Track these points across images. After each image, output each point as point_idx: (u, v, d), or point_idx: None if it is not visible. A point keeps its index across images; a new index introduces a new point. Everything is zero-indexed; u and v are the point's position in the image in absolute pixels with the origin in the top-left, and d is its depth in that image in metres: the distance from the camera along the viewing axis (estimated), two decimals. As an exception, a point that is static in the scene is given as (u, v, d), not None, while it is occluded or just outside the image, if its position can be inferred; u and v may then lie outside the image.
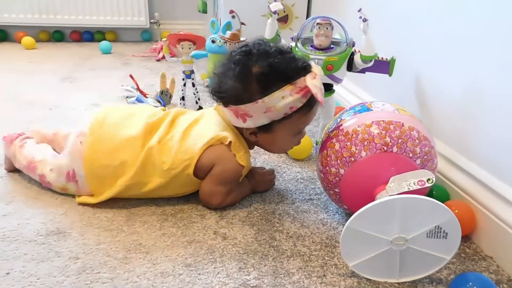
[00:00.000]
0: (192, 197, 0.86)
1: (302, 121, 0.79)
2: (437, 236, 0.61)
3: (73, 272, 0.64)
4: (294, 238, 0.75)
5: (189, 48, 1.21)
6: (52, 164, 0.84)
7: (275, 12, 0.94)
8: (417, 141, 0.71)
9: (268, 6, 0.95)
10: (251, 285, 0.63)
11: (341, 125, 0.75)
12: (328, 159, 0.75)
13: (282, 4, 0.97)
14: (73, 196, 0.84)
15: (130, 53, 2.24)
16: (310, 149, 1.06)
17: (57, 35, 2.50)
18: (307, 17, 1.80)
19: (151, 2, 2.52)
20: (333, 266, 0.68)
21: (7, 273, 0.63)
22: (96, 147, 0.80)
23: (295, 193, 0.90)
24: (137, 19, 2.47)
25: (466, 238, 0.76)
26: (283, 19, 1.78)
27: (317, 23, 0.94)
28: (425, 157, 0.71)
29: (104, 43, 2.22)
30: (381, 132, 0.70)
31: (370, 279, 0.65)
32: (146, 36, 2.59)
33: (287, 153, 1.06)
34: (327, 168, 0.75)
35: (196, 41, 1.21)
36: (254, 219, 0.80)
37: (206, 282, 0.63)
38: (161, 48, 2.13)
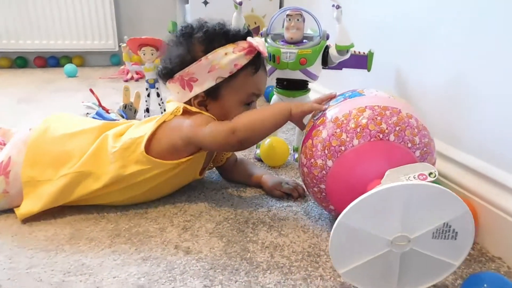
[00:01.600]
0: (151, 207, 0.74)
1: (250, 84, 0.74)
2: (445, 236, 0.50)
3: (-10, 302, 0.50)
4: (271, 248, 0.63)
5: (152, 54, 1.12)
6: None
7: (240, 3, 0.86)
8: (416, 130, 0.61)
9: (233, -2, 0.88)
10: (218, 305, 0.51)
11: (329, 111, 0.65)
12: (314, 149, 0.63)
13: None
14: (7, 213, 0.71)
15: (97, 76, 2.14)
16: (286, 156, 0.96)
17: (20, 61, 2.37)
18: (279, 30, 1.75)
19: (120, 24, 2.44)
20: (318, 278, 0.56)
21: None
22: (44, 134, 0.75)
23: (271, 200, 0.79)
24: (105, 42, 2.38)
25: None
26: (255, 31, 1.72)
27: (287, 15, 0.87)
28: (424, 148, 0.61)
29: (68, 66, 2.11)
30: (376, 118, 0.60)
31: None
32: (116, 60, 2.50)
33: (262, 160, 0.96)
34: (312, 160, 0.64)
35: (159, 45, 1.12)
36: (224, 230, 0.68)
37: (162, 305, 0.51)
38: (129, 70, 2.04)
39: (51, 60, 2.41)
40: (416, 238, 0.49)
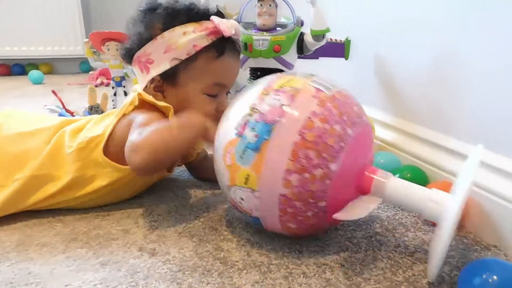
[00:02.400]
0: (114, 208, 0.67)
1: (211, 70, 0.65)
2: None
3: None
4: (248, 246, 0.56)
5: (117, 50, 1.05)
6: None
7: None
8: (356, 101, 0.56)
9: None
10: (187, 311, 0.44)
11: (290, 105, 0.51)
12: (304, 161, 0.48)
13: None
14: None
15: (65, 83, 2.04)
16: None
17: (-19, 70, 2.25)
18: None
19: (89, 29, 2.35)
20: (301, 276, 0.50)
21: None
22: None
23: (248, 197, 0.72)
24: (73, 48, 2.28)
25: (460, 227, 0.61)
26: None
27: (259, 0, 0.82)
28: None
29: (34, 72, 2.01)
30: (346, 102, 0.53)
31: (351, 287, 0.48)
32: (85, 67, 2.40)
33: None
34: (306, 175, 0.49)
35: (124, 40, 1.05)
36: (195, 230, 0.61)
37: (120, 314, 0.43)
38: (99, 74, 1.96)
39: (16, 68, 2.30)
40: None
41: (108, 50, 1.05)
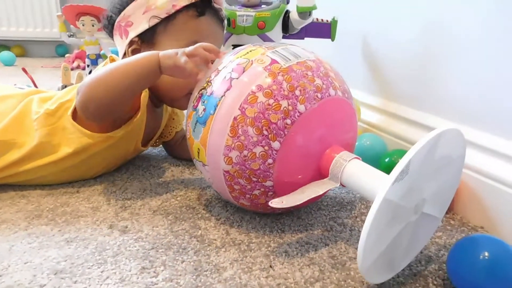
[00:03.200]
0: (85, 186, 0.63)
1: (191, 29, 0.62)
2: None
3: None
4: (227, 225, 0.53)
5: (92, 26, 0.99)
6: None
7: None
8: (337, 76, 0.52)
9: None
10: (159, 289, 0.40)
11: (236, 80, 0.48)
12: (241, 138, 0.46)
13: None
14: None
15: (39, 65, 1.95)
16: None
17: None
18: None
19: (66, 12, 2.26)
20: (283, 254, 0.47)
21: None
22: None
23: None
24: (49, 30, 2.17)
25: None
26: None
27: (244, -26, 0.78)
28: (347, 94, 0.52)
29: (5, 53, 1.91)
30: (306, 74, 0.48)
31: (335, 267, 0.45)
32: (62, 50, 2.29)
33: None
34: (245, 152, 0.46)
35: (101, 15, 0.99)
36: (171, 208, 0.57)
37: (85, 293, 0.39)
38: (75, 57, 1.88)
39: (-14, 49, 2.18)
40: (428, 199, 0.42)
41: (83, 25, 0.99)
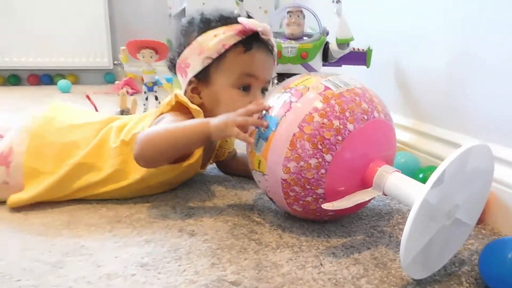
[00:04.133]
0: (152, 197, 0.72)
1: (240, 63, 0.69)
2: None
3: (-17, 279, 0.47)
4: (279, 230, 0.61)
5: (151, 57, 1.12)
6: None
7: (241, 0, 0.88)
8: (379, 100, 0.60)
9: (235, -6, 0.89)
10: (228, 280, 0.48)
11: (292, 108, 0.56)
12: (299, 151, 0.54)
13: (249, -8, 0.91)
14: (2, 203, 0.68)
15: (91, 92, 2.13)
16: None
17: (12, 79, 2.37)
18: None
19: (115, 42, 2.46)
20: (331, 255, 0.54)
21: None
22: (50, 123, 0.72)
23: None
24: (99, 60, 2.39)
25: (478, 220, 0.64)
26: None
27: (288, 12, 0.89)
28: (388, 117, 0.60)
29: (63, 82, 2.11)
30: (355, 99, 0.56)
31: (378, 266, 0.51)
32: (110, 77, 2.50)
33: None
34: (302, 163, 0.54)
35: (158, 48, 1.12)
36: (229, 216, 0.65)
37: (168, 281, 0.48)
38: (124, 84, 2.04)
39: (45, 78, 2.41)
40: (460, 206, 0.48)
41: (143, 57, 1.12)
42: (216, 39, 0.68)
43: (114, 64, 2.43)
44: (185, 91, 0.73)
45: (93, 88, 2.31)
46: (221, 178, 0.84)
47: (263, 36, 0.70)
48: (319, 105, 0.55)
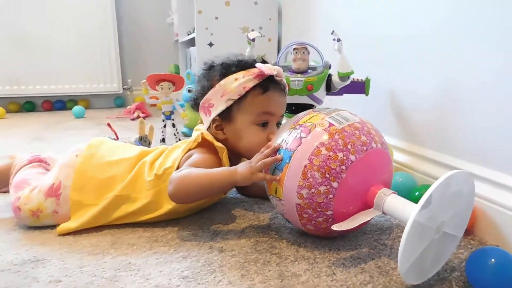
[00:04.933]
0: (182, 220, 0.82)
1: (259, 103, 0.78)
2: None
3: (55, 292, 0.57)
4: (296, 245, 0.70)
5: (169, 89, 1.23)
6: (35, 183, 0.81)
7: (253, 40, 0.99)
8: (376, 132, 0.70)
9: (247, 35, 1.01)
10: (257, 288, 0.58)
11: (299, 147, 0.66)
12: (310, 180, 0.64)
13: (259, 33, 1.03)
14: (51, 227, 0.78)
15: (103, 116, 2.24)
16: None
17: (28, 106, 2.48)
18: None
19: (124, 68, 2.59)
20: (341, 266, 0.64)
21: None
22: (90, 161, 0.82)
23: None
24: (109, 85, 2.51)
25: (467, 232, 0.74)
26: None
27: (294, 48, 0.99)
28: (384, 145, 0.70)
29: (77, 107, 2.22)
30: (354, 133, 0.66)
31: (381, 274, 0.61)
32: (119, 101, 2.62)
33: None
34: (313, 190, 0.64)
35: (176, 81, 1.23)
36: (250, 233, 0.75)
37: (207, 290, 0.57)
38: (135, 109, 2.16)
39: (58, 104, 2.52)
40: (447, 222, 0.58)
41: (162, 89, 1.23)
42: (237, 83, 0.78)
43: (124, 89, 2.55)
44: (209, 127, 0.83)
45: (104, 112, 2.43)
46: (239, 200, 0.94)
47: (276, 78, 0.81)
48: (325, 140, 0.65)
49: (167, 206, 0.78)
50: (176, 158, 0.79)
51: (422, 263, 0.57)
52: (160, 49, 2.64)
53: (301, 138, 0.67)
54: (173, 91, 1.25)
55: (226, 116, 0.81)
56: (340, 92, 1.04)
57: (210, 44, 1.71)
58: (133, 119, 2.12)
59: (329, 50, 0.97)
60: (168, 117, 1.28)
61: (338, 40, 0.93)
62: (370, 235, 0.74)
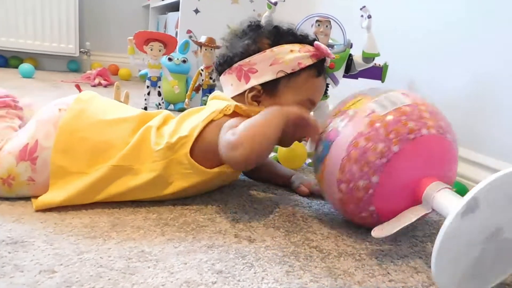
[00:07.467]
0: (188, 199, 0.69)
1: (310, 86, 0.72)
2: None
3: None
4: (332, 238, 0.62)
5: (159, 51, 1.07)
6: (1, 141, 0.64)
7: (275, 3, 0.88)
8: (433, 114, 0.60)
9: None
10: (311, 288, 0.48)
11: (340, 131, 0.60)
12: (347, 174, 0.58)
13: (281, -2, 0.91)
14: (26, 199, 0.62)
15: (57, 79, 1.98)
16: (304, 159, 0.96)
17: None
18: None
19: (83, 29, 2.32)
20: (392, 264, 0.56)
21: None
22: (79, 118, 0.65)
23: (306, 198, 0.78)
24: (64, 46, 2.22)
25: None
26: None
27: (317, 20, 0.90)
28: (448, 128, 0.61)
29: (25, 65, 1.94)
30: (400, 119, 0.57)
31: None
32: (74, 66, 2.34)
33: (278, 162, 0.95)
34: (351, 184, 0.58)
35: (168, 42, 1.07)
36: (276, 222, 0.65)
37: (252, 289, 0.47)
38: (97, 75, 1.93)
39: (-1, 59, 2.19)
40: (504, 228, 0.50)
41: (151, 50, 1.07)
42: (292, 55, 0.70)
43: (80, 52, 2.28)
44: (238, 95, 0.71)
45: (57, 75, 2.15)
46: (248, 184, 0.83)
47: (326, 64, 0.73)
48: (365, 129, 0.57)
49: (181, 183, 0.65)
50: (195, 127, 0.65)
51: (477, 272, 0.50)
52: (128, 13, 2.39)
53: (340, 127, 0.60)
54: (163, 54, 1.09)
55: (269, 88, 0.71)
56: (356, 75, 0.97)
57: (196, 11, 1.55)
58: (94, 86, 1.89)
59: (350, 28, 0.88)
60: (154, 84, 1.12)
61: (369, 16, 0.85)
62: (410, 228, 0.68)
